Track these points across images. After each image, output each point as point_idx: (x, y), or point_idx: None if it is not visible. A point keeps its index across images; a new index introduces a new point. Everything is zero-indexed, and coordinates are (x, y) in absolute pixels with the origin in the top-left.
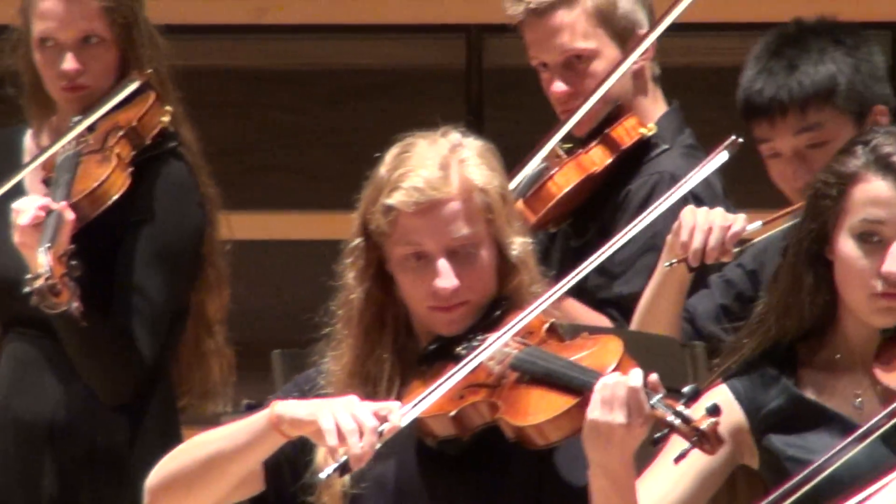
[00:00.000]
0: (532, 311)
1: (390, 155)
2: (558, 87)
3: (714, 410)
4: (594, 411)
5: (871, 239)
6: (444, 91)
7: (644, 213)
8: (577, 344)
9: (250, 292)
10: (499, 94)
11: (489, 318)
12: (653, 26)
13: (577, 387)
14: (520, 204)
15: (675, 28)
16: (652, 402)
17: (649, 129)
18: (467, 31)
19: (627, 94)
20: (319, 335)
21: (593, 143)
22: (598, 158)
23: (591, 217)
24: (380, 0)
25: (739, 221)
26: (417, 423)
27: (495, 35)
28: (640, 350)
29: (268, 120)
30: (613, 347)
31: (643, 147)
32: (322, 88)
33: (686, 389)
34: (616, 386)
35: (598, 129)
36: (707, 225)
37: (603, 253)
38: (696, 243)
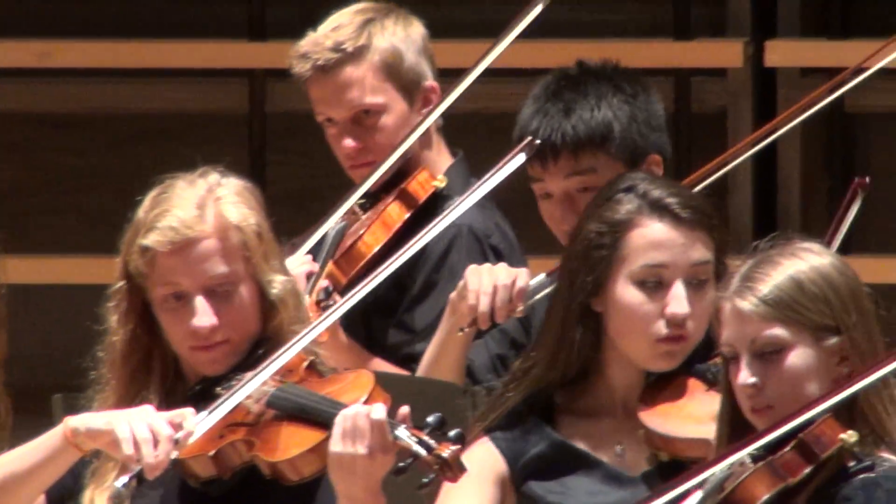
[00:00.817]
0: (289, 349)
1: (149, 197)
2: (348, 143)
3: (458, 438)
4: (336, 443)
5: (652, 283)
6: (226, 135)
7: (427, 228)
8: (335, 379)
9: (30, 336)
10: (281, 138)
11: (252, 357)
12: (462, 75)
13: (326, 420)
14: (330, 266)
15: (458, 75)
16: (395, 432)
17: (441, 181)
18: (250, 76)
19: (415, 147)
20: (90, 379)
21: (391, 199)
22: (396, 214)
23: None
24: (163, 44)
25: (522, 276)
26: (180, 465)
27: (278, 79)
28: (423, 396)
29: (50, 163)
30: (364, 381)
31: (435, 200)
32: (104, 132)
33: (431, 419)
34: (356, 417)
35: (390, 183)
36: (491, 286)
37: (365, 288)
38: (483, 307)
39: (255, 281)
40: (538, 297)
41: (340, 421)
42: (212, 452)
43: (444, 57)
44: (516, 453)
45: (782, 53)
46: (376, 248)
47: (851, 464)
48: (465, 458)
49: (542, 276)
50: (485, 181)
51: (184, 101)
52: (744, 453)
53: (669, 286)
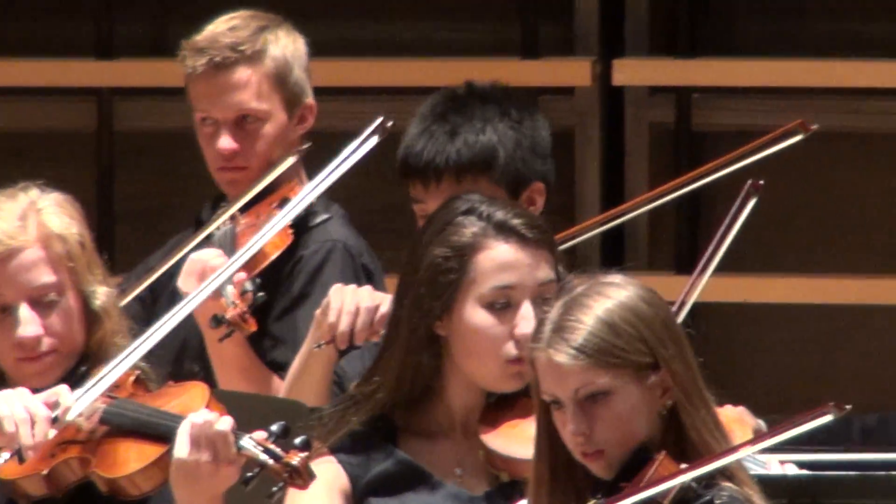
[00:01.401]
0: (119, 363)
1: None
2: (226, 142)
3: (304, 445)
4: (180, 450)
5: (501, 305)
6: (74, 154)
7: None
8: (165, 393)
9: None
10: (129, 157)
11: (76, 373)
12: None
13: (165, 433)
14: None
15: (319, 92)
16: (240, 442)
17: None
18: (98, 94)
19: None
20: None
21: (274, 206)
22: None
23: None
24: (9, 62)
25: (386, 303)
26: (10, 485)
27: (126, 98)
28: (268, 413)
29: None
30: (199, 393)
31: (305, 214)
32: None
33: (275, 427)
34: (203, 425)
35: (266, 191)
36: (354, 307)
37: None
38: (343, 326)
39: (79, 291)
40: None
41: (186, 428)
42: (44, 471)
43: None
44: (360, 473)
45: (630, 72)
46: (277, 253)
47: (694, 500)
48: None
49: None
50: (341, 162)
51: (31, 119)
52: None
53: (518, 307)
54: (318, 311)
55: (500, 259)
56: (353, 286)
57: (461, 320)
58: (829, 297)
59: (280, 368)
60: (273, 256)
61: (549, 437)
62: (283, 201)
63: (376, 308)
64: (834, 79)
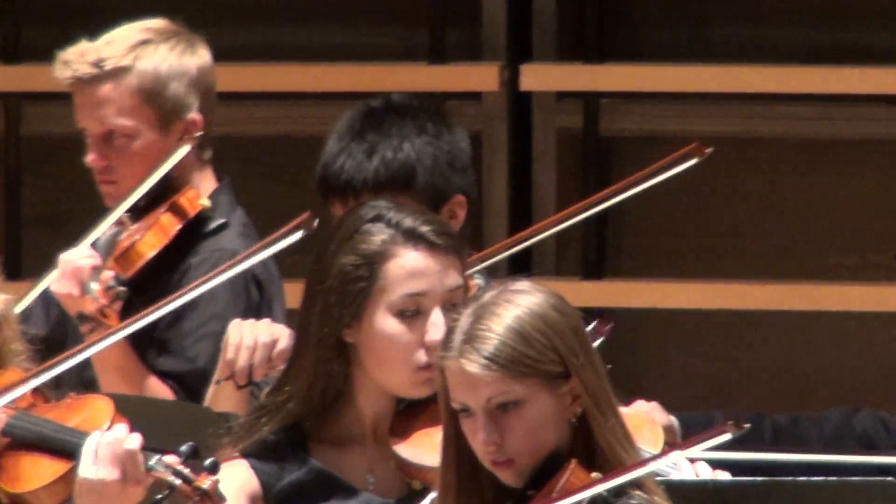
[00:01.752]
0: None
1: None
2: (91, 157)
3: (213, 468)
4: (86, 469)
5: (411, 312)
6: None
7: (194, 285)
8: (66, 405)
9: None
10: (37, 161)
11: None
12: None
13: (71, 450)
14: (111, 263)
15: (223, 97)
16: (150, 463)
17: (206, 203)
18: (5, 99)
19: (179, 171)
20: None
21: (163, 210)
22: (170, 224)
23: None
24: None
25: (284, 338)
26: None
27: (34, 102)
28: (173, 419)
29: None
30: (103, 407)
31: (200, 220)
32: None
33: (184, 448)
34: (111, 444)
35: (158, 197)
36: (252, 341)
37: (132, 324)
38: (242, 362)
39: None
40: None
41: (92, 446)
42: None
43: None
44: (272, 481)
45: (537, 77)
46: (153, 252)
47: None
48: (220, 475)
49: None
50: (264, 246)
51: None
52: None
53: (427, 314)
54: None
55: (410, 266)
56: (251, 321)
57: (371, 328)
58: (735, 302)
59: (167, 377)
60: (149, 255)
61: (456, 445)
62: (172, 206)
63: (274, 343)
64: (739, 84)
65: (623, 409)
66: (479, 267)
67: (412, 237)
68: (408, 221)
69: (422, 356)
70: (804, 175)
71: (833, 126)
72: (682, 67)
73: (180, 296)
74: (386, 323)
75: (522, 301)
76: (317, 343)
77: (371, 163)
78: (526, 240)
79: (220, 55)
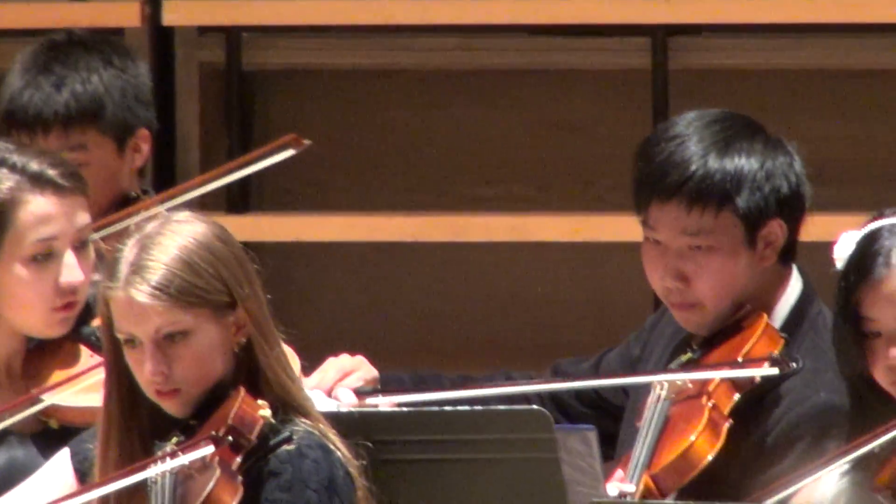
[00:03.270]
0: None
1: None
2: None
3: None
4: None
5: (42, 256)
6: None
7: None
8: None
9: None
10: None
11: None
12: None
13: None
14: None
15: None
16: None
17: None
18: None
19: None
20: None
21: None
22: None
23: None
24: None
25: None
26: None
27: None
28: None
29: None
30: None
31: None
32: None
33: None
34: None
35: None
36: None
37: None
38: None
39: None
40: None
41: None
42: None
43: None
44: None
45: (180, 12)
46: None
47: (272, 438)
48: None
49: None
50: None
51: None
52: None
53: (60, 256)
54: None
55: (40, 212)
56: None
57: (5, 274)
58: (380, 234)
59: None
60: None
61: (118, 377)
62: None
63: None
64: (381, 17)
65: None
66: (126, 223)
67: (40, 182)
68: (33, 165)
69: (55, 298)
70: (447, 107)
71: (475, 57)
72: (323, 1)
73: None
74: (18, 269)
75: (187, 231)
76: None
77: (61, 96)
78: (173, 198)
79: None
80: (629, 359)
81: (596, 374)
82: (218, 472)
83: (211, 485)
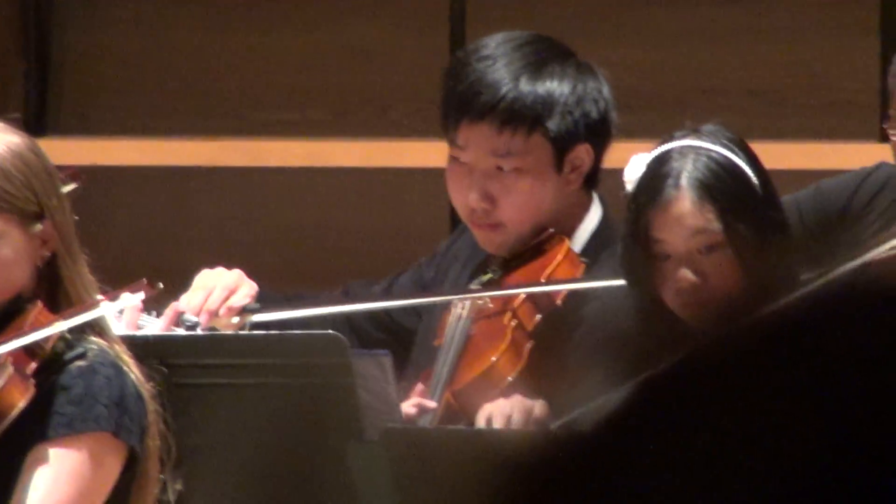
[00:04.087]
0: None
1: None
2: None
3: None
4: None
5: None
6: None
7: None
8: None
9: None
10: None
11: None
12: None
13: None
14: None
15: None
16: None
17: None
18: None
19: None
20: None
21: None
22: None
23: None
24: None
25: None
26: None
27: None
28: None
29: None
30: None
31: None
32: None
33: None
34: None
35: None
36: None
37: None
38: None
39: None
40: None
41: None
42: None
43: None
44: None
45: None
46: None
47: (66, 353)
48: None
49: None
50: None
51: None
52: None
53: None
54: None
55: None
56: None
57: None
58: (178, 158)
59: None
60: None
61: None
62: None
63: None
64: None
65: None
66: None
67: None
68: None
69: None
70: (243, 31)
71: None
72: None
73: None
74: None
75: (1, 139)
76: None
77: None
78: None
79: None
80: (422, 281)
81: (389, 296)
82: (11, 369)
83: (2, 382)
